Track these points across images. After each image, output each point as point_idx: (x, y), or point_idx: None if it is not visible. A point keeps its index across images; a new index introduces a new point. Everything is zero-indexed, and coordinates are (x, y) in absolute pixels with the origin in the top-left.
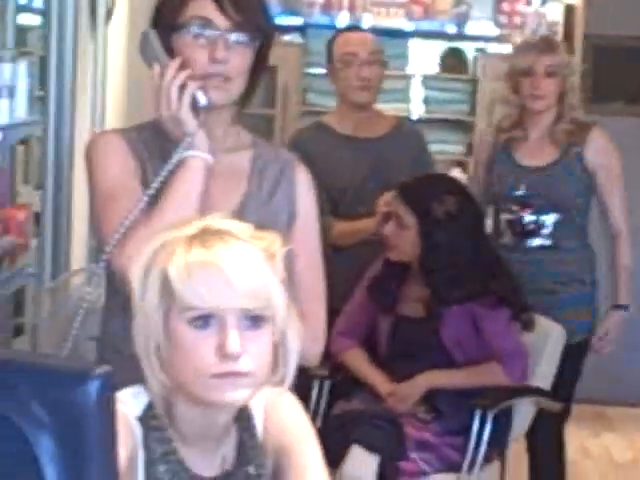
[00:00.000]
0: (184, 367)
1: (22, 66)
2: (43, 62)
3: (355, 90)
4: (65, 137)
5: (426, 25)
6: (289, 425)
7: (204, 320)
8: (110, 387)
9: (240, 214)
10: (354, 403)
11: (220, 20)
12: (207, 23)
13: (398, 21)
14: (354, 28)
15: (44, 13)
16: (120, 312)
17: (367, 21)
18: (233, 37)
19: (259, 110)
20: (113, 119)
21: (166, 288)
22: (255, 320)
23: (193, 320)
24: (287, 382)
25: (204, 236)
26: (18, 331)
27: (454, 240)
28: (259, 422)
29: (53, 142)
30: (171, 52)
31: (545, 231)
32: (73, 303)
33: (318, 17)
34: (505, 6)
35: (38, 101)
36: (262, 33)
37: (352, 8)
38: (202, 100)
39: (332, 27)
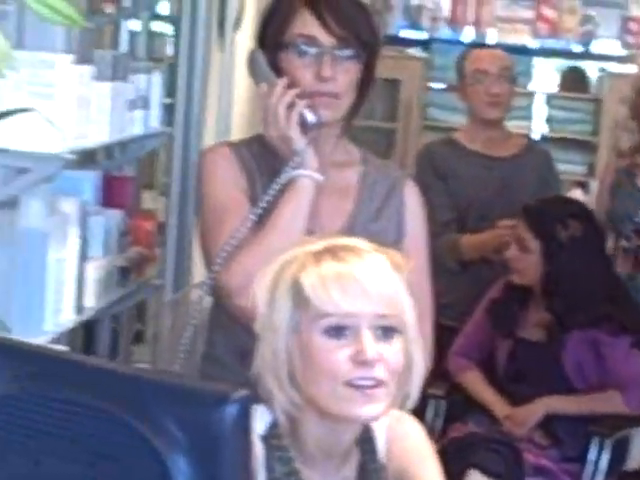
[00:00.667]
0: (317, 378)
1: (156, 76)
2: (171, 70)
3: (485, 106)
4: (192, 145)
5: (551, 43)
6: (412, 449)
7: (338, 329)
8: (247, 411)
9: (348, 231)
10: (470, 425)
11: (324, 37)
12: (311, 41)
13: (523, 38)
14: (484, 45)
15: (175, 21)
16: (222, 327)
17: (492, 37)
18: (338, 53)
19: (381, 124)
20: (238, 128)
21: (298, 300)
22: (387, 331)
23: (328, 329)
24: (412, 401)
25: (333, 251)
26: (138, 338)
27: (578, 264)
28: (382, 444)
29: (180, 150)
30: (279, 71)
31: None
32: (190, 317)
33: (443, 32)
34: (632, 26)
35: (166, 109)
36: (368, 47)
37: (477, 23)
38: (310, 118)
39: (457, 42)
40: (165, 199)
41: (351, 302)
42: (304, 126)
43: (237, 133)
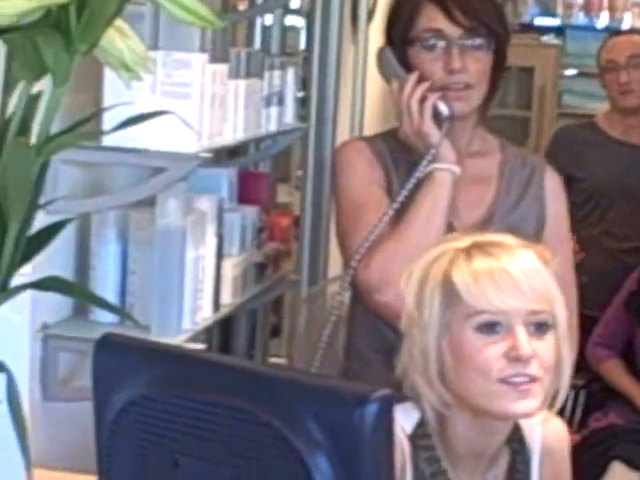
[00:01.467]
0: (469, 376)
1: (290, 72)
2: (305, 64)
3: (618, 95)
4: (327, 140)
5: None
6: (563, 471)
7: (491, 326)
8: (389, 411)
9: (488, 221)
10: (611, 416)
11: (451, 29)
12: (439, 34)
13: None
14: (621, 32)
15: (308, 14)
16: (364, 323)
17: (627, 22)
18: (467, 43)
19: (515, 112)
20: (371, 122)
21: (449, 297)
22: (540, 327)
23: (480, 326)
24: (561, 398)
25: (481, 247)
26: (275, 332)
27: None
28: (536, 445)
29: (314, 144)
30: (409, 66)
31: None
32: (328, 310)
33: (577, 18)
34: None
35: (299, 103)
36: (496, 35)
37: (612, 9)
38: (444, 111)
39: (591, 28)
40: (300, 193)
41: (504, 298)
42: (438, 119)
43: (371, 126)
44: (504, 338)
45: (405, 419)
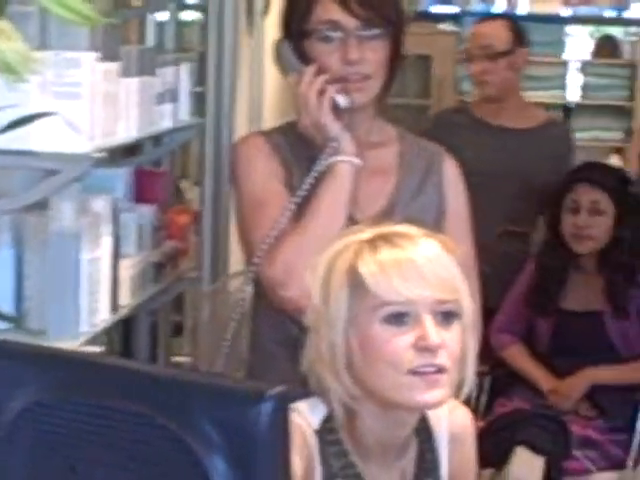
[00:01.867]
0: (378, 368)
1: (184, 68)
2: (200, 58)
3: (477, 86)
4: (224, 134)
5: (583, 10)
6: (470, 460)
7: (399, 317)
8: (284, 409)
9: (390, 212)
10: (515, 400)
11: (347, 20)
12: (335, 25)
13: (555, 7)
14: (489, 18)
15: (203, 9)
16: (267, 318)
17: (523, 7)
18: (363, 34)
19: (414, 101)
20: (270, 115)
21: (356, 290)
22: (446, 316)
23: (388, 317)
24: (467, 387)
25: (386, 238)
26: (178, 330)
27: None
28: (443, 434)
29: (212, 140)
30: (307, 59)
31: None
32: (231, 306)
33: (474, 5)
34: None
35: (196, 98)
36: (392, 24)
37: None
38: (343, 102)
39: (488, 15)
40: (199, 189)
41: (411, 288)
42: (337, 111)
43: (269, 120)
44: (412, 328)
45: (312, 414)
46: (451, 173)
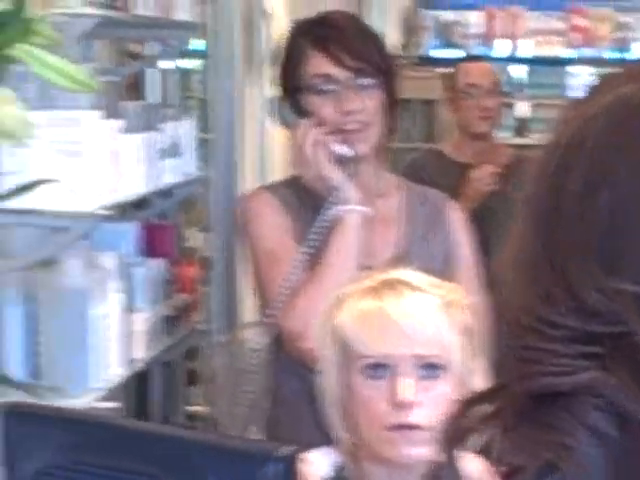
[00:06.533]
0: (362, 420)
1: (187, 122)
2: (203, 104)
3: (476, 120)
4: (230, 185)
5: (586, 52)
6: None
7: (377, 369)
8: (292, 469)
9: (397, 260)
10: None
11: (339, 72)
12: (328, 78)
13: (556, 49)
14: (474, 58)
15: (204, 56)
16: (287, 369)
17: (525, 50)
18: (357, 83)
19: (420, 145)
20: (276, 164)
21: (339, 340)
22: (431, 368)
23: (366, 369)
24: None
25: (379, 288)
26: (193, 379)
27: None
28: None
29: (220, 192)
30: (305, 113)
31: None
32: (246, 356)
33: (475, 48)
34: None
35: (199, 147)
36: (383, 72)
37: (512, 37)
38: (345, 152)
39: (490, 58)
40: (205, 235)
41: (387, 343)
42: (341, 162)
43: (276, 166)
44: (389, 382)
45: (323, 463)
46: (455, 217)
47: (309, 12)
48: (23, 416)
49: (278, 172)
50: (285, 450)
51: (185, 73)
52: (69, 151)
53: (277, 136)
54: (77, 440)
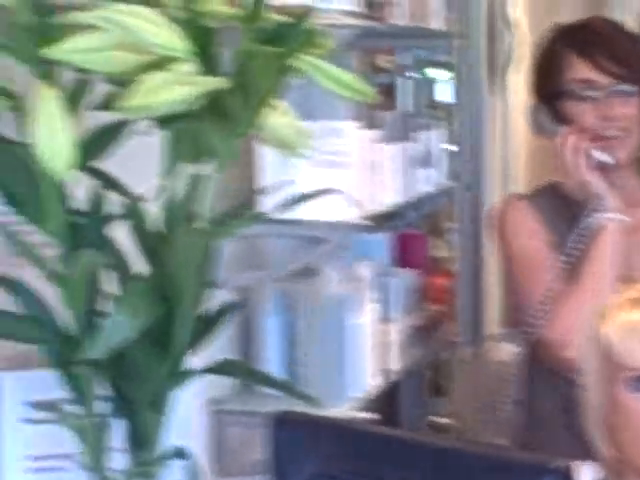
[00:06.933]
0: (627, 436)
1: (436, 131)
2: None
3: None
4: (478, 194)
5: None
6: None
7: None
8: None
9: None
10: None
11: (601, 78)
12: (589, 84)
13: None
14: None
15: (449, 66)
16: (542, 379)
17: None
18: (619, 89)
19: None
20: (518, 174)
21: (605, 351)
22: None
23: (631, 382)
24: None
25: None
26: (439, 391)
27: None
28: None
29: (468, 203)
30: (563, 119)
31: None
32: (493, 369)
33: None
34: None
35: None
36: None
37: None
38: (606, 159)
39: None
40: (449, 246)
41: None
42: (602, 169)
43: (518, 179)
44: None
45: (588, 477)
46: None
47: (549, 18)
48: (293, 424)
49: (522, 181)
50: (561, 462)
51: (428, 82)
52: (333, 161)
53: (520, 144)
54: (345, 449)
